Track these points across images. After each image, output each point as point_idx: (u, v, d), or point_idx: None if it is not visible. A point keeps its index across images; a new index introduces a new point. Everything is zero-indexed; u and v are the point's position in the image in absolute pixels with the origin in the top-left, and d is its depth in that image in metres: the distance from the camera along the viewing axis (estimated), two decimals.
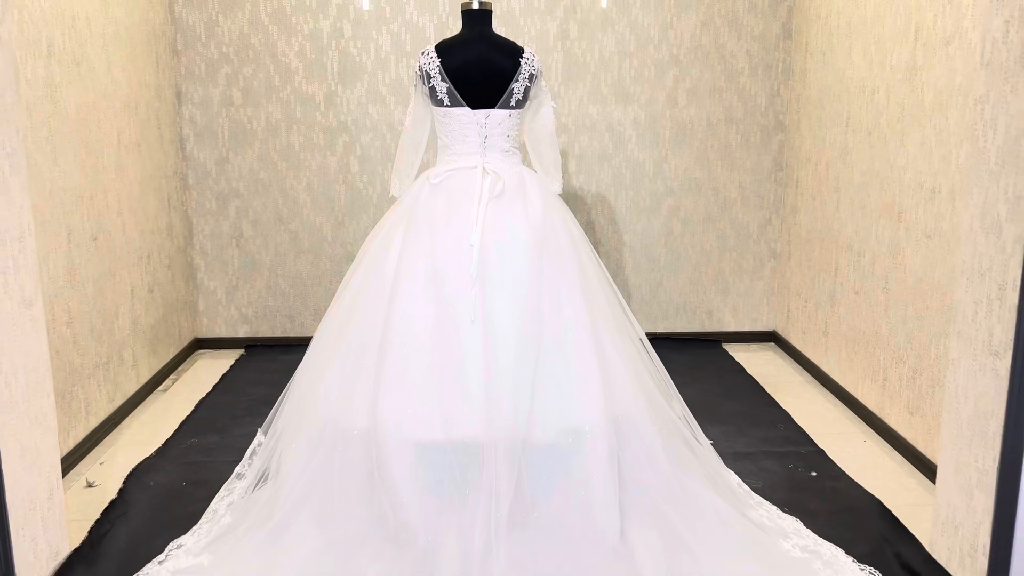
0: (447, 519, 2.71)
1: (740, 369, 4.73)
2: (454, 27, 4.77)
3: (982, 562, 2.33)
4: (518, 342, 2.82)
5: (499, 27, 4.76)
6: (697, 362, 4.83)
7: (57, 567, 2.54)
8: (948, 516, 2.52)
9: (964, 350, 2.39)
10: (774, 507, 3.06)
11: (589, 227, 5.04)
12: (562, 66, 4.89)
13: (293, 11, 4.78)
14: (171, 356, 4.70)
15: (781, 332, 5.17)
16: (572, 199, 5.01)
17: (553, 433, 2.81)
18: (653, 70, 4.92)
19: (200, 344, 5.12)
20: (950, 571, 2.51)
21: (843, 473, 3.40)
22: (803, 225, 4.77)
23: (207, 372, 4.72)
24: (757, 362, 4.90)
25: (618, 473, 2.84)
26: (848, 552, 2.76)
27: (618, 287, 4.96)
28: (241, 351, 5.07)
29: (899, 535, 2.85)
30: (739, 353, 5.06)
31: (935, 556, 2.60)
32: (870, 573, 2.64)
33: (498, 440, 2.72)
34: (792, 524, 2.95)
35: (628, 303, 4.97)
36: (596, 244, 5.05)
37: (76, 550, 2.67)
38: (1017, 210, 2.14)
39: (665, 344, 5.05)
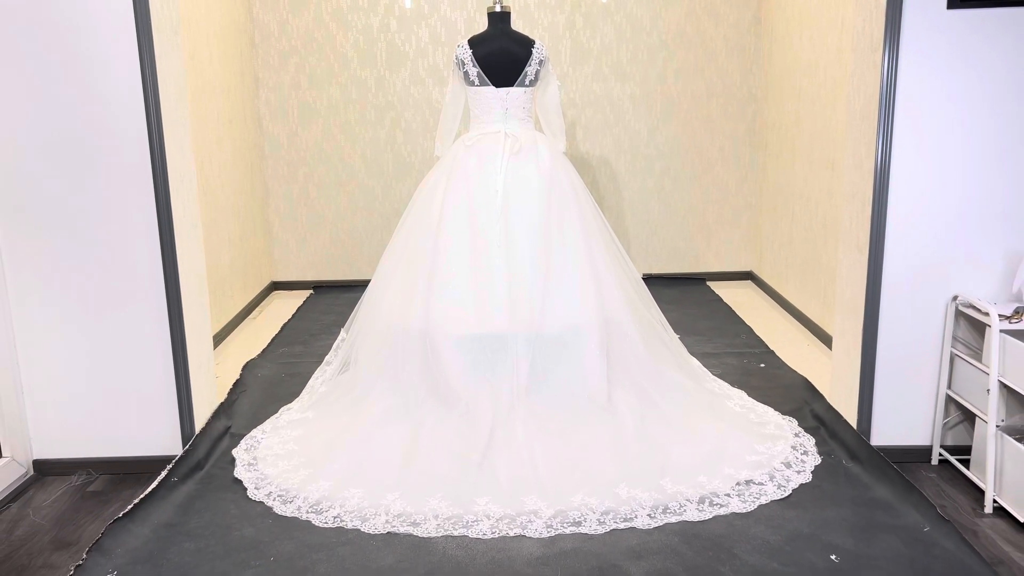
0: (481, 387, 3.66)
1: (718, 299, 5.69)
2: (480, 21, 5.72)
3: (855, 400, 3.29)
4: (532, 261, 3.77)
5: (517, 20, 5.71)
6: (683, 295, 5.79)
7: (212, 413, 3.56)
8: (837, 372, 3.48)
9: (845, 250, 3.33)
10: (726, 384, 4.03)
11: (594, 185, 5.99)
12: (570, 51, 5.84)
13: (349, 10, 5.76)
14: (255, 294, 5.72)
15: (756, 272, 6.11)
16: (580, 162, 5.96)
17: (558, 328, 3.75)
18: (646, 53, 5.85)
19: (276, 286, 6.15)
20: (839, 410, 3.46)
21: (785, 364, 4.35)
22: (771, 181, 5.70)
23: (285, 306, 5.75)
24: (734, 295, 5.85)
25: (607, 357, 3.78)
26: (777, 410, 3.72)
27: (619, 236, 5.93)
28: (310, 291, 6.10)
29: (815, 398, 3.79)
30: (720, 289, 6.00)
31: (833, 404, 3.56)
32: (788, 420, 3.60)
33: (518, 332, 3.67)
34: (738, 393, 3.91)
35: (628, 248, 5.94)
36: (600, 200, 6.00)
37: (220, 404, 3.70)
38: (869, 150, 3.08)
39: (658, 282, 6.02)
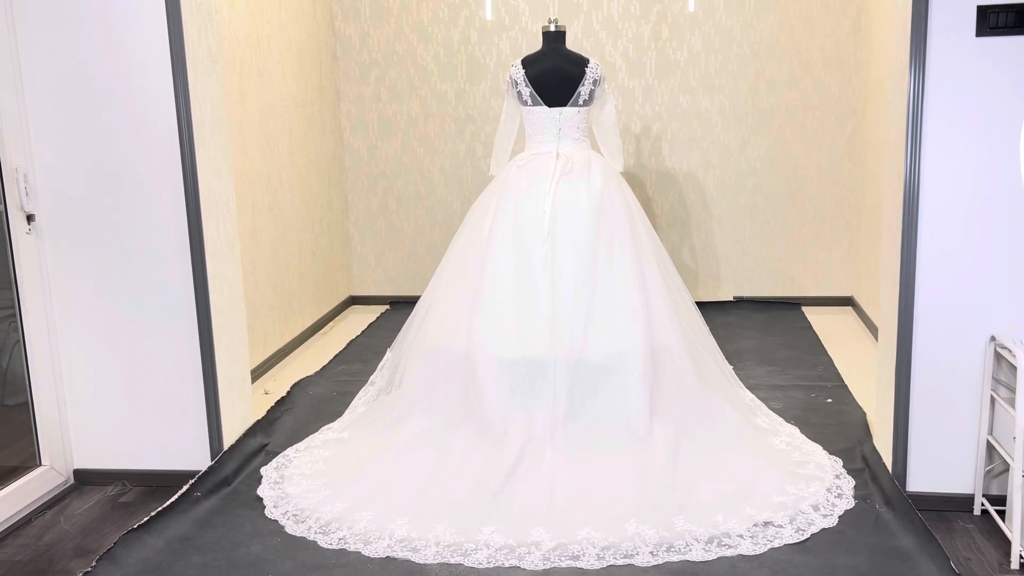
0: (518, 413, 3.84)
1: (808, 327, 5.69)
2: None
3: (891, 443, 3.32)
4: (576, 285, 3.94)
5: (600, 32, 5.88)
6: (772, 321, 5.82)
7: (246, 429, 3.88)
8: (879, 412, 3.51)
9: (884, 283, 3.38)
10: (779, 419, 4.08)
11: (681, 203, 6.10)
12: (655, 63, 5.96)
13: (429, 23, 6.06)
14: (330, 308, 6.09)
15: (856, 298, 6.07)
16: (665, 178, 6.08)
17: (601, 355, 3.90)
18: (736, 64, 5.92)
19: (354, 300, 6.51)
20: (881, 453, 3.49)
21: (854, 401, 4.35)
22: (870, 200, 5.67)
23: (358, 321, 6.09)
24: (827, 322, 5.83)
25: (654, 387, 3.90)
26: (828, 450, 3.76)
27: (707, 256, 6.04)
28: (387, 306, 6.42)
29: (869, 437, 3.81)
30: (815, 315, 5.99)
31: (876, 446, 3.58)
32: (834, 461, 3.64)
33: (559, 357, 3.84)
34: (790, 429, 3.97)
35: (717, 269, 6.03)
36: (686, 218, 6.10)
37: (257, 422, 4.02)
38: (899, 180, 3.13)
39: (749, 306, 6.08)
